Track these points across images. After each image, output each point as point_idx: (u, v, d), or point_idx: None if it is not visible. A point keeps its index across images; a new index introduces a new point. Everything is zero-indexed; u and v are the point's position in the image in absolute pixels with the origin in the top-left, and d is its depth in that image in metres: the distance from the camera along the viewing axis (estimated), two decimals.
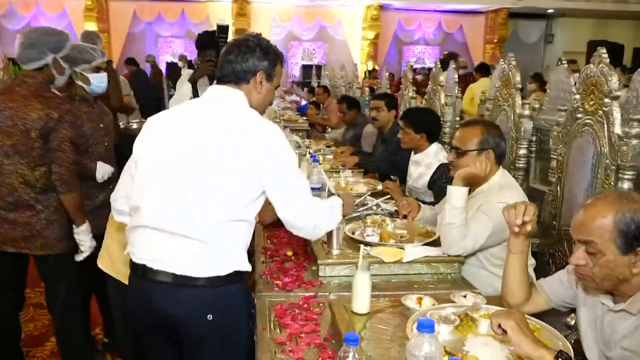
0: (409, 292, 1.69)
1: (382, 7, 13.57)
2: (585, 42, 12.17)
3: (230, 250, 1.50)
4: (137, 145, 1.59)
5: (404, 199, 2.45)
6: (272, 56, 1.61)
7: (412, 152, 3.09)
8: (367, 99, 6.02)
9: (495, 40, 14.08)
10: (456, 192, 1.89)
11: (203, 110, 1.57)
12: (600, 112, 2.00)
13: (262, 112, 1.65)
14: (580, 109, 2.13)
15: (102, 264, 2.05)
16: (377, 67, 12.72)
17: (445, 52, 7.04)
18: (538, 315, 1.52)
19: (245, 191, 1.48)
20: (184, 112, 1.61)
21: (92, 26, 12.91)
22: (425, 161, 2.95)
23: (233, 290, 1.51)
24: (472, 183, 2.06)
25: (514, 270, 1.58)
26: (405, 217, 2.28)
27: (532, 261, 2.10)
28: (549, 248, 2.32)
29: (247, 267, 1.54)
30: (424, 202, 2.83)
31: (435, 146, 2.96)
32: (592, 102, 2.06)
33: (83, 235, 2.30)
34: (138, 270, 1.52)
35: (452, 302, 1.57)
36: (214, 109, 1.55)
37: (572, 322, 1.80)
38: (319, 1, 13.34)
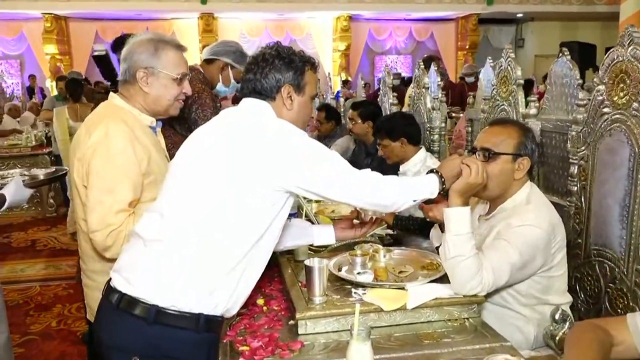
0: (420, 352, 1.29)
1: (351, 18, 13.35)
2: (555, 45, 12.06)
3: (192, 276, 1.24)
4: None
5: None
6: (297, 65, 1.42)
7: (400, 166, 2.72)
8: (342, 110, 5.67)
9: (466, 47, 13.99)
10: (455, 216, 1.45)
11: (222, 122, 1.42)
12: (636, 104, 1.62)
13: (302, 129, 1.43)
14: (607, 102, 1.76)
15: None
16: (350, 78, 12.42)
17: (425, 55, 6.72)
18: None
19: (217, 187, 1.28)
20: (208, 126, 1.45)
21: (52, 48, 12.41)
22: (413, 170, 2.62)
23: (180, 337, 1.22)
24: (493, 199, 1.65)
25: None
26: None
27: (568, 298, 1.70)
28: (575, 271, 1.92)
29: (213, 311, 1.26)
30: (417, 218, 2.45)
31: (422, 152, 2.66)
32: (622, 94, 1.69)
33: None
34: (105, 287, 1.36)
35: None
36: (234, 121, 1.40)
37: None
38: (287, 14, 13.05)
